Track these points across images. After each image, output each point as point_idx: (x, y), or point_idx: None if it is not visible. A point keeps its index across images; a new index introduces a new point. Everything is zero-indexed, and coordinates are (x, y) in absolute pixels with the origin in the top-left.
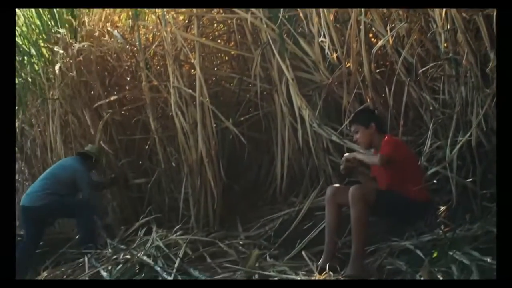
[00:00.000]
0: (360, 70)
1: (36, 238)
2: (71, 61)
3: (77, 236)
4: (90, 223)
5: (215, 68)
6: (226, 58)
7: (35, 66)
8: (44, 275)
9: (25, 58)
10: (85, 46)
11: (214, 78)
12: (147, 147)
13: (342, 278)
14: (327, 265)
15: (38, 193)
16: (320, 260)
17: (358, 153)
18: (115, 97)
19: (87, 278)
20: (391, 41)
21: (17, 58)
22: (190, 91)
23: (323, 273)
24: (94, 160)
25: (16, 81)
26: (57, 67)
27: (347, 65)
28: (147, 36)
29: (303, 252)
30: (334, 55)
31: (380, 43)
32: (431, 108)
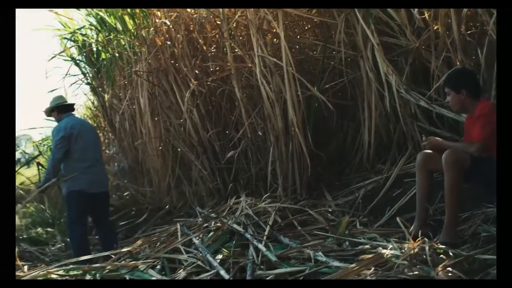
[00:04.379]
0: (448, 32)
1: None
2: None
3: None
4: None
5: (298, 36)
6: (309, 25)
7: (121, 41)
8: (138, 243)
9: (112, 33)
10: (170, 19)
11: (297, 46)
12: (233, 117)
13: (435, 246)
14: (420, 232)
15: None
16: (411, 227)
17: (443, 142)
18: (200, 68)
19: (180, 246)
20: None
21: (103, 33)
22: (274, 59)
23: (417, 240)
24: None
25: (103, 56)
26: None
27: (435, 28)
28: None
29: (397, 218)
30: (421, 18)
31: None
32: None
